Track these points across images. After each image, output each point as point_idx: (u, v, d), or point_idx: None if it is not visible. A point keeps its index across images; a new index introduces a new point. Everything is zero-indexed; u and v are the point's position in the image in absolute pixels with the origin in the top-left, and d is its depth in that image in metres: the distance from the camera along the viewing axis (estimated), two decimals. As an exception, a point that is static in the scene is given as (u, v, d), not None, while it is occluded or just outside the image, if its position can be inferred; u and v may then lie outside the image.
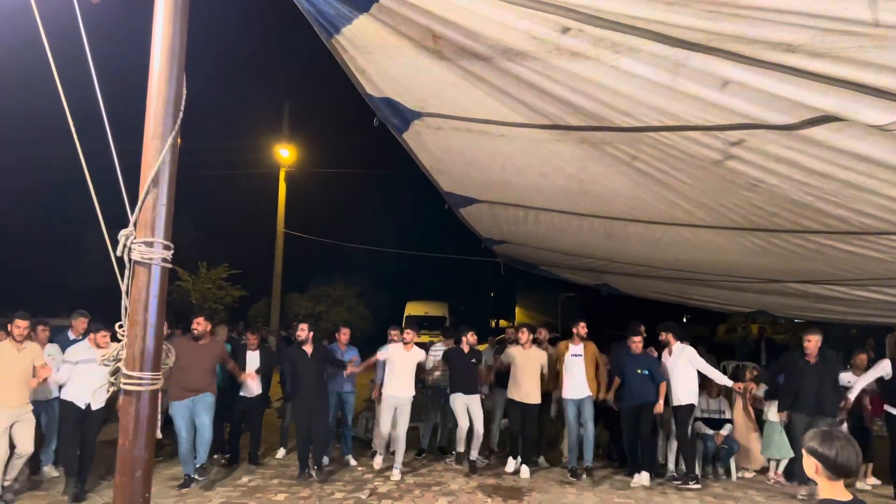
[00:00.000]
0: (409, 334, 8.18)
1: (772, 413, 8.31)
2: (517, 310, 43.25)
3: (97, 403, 6.73)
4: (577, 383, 8.19)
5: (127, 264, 2.35)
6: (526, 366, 8.18)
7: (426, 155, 4.86)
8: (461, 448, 8.21)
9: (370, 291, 30.86)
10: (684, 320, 30.49)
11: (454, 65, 3.30)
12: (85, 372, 6.64)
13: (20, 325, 6.44)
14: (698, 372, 8.20)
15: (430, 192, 6.46)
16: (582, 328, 8.36)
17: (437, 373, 8.84)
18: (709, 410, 8.50)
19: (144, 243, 2.31)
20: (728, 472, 8.38)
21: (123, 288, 2.35)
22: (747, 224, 4.82)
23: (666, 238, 5.72)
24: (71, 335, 7.83)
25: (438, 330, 17.30)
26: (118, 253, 2.35)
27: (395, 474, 7.82)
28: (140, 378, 2.27)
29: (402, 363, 8.06)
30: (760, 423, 8.62)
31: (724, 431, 8.30)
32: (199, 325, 7.43)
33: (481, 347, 9.42)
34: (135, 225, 2.35)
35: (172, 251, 2.38)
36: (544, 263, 9.65)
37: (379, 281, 31.50)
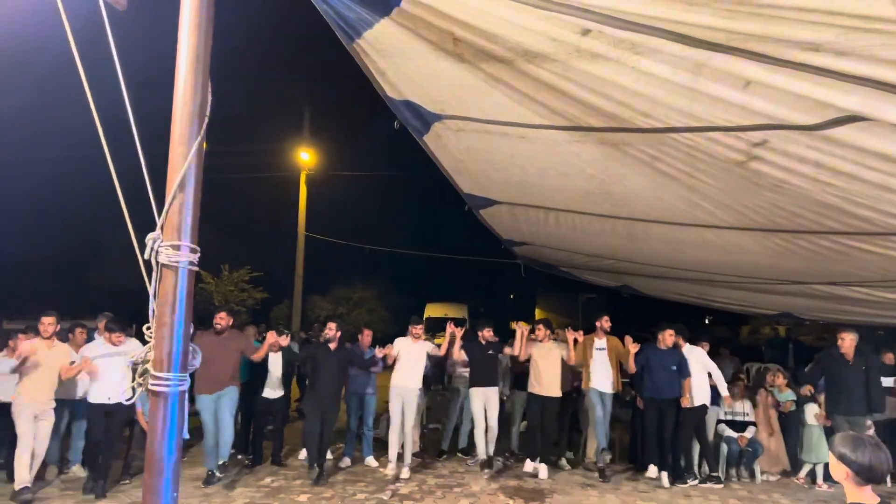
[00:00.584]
0: (417, 328, 8.23)
1: (809, 416, 8.22)
2: (537, 311, 43.13)
3: (120, 397, 6.83)
4: (602, 376, 8.21)
5: (154, 267, 2.38)
6: (545, 357, 8.20)
7: (446, 157, 4.88)
8: (482, 452, 8.18)
9: (390, 293, 31.00)
10: (706, 322, 30.22)
11: (474, 67, 3.31)
12: (103, 368, 6.78)
13: (45, 322, 6.67)
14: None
15: (449, 194, 6.49)
16: (605, 322, 8.40)
17: (460, 368, 8.82)
18: (732, 412, 8.43)
19: (171, 246, 2.35)
20: (752, 475, 8.30)
21: (151, 291, 2.39)
22: (770, 225, 4.78)
23: (688, 239, 5.69)
24: (97, 336, 7.97)
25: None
26: (145, 256, 2.39)
27: (405, 472, 7.84)
28: (167, 379, 2.31)
29: (408, 355, 8.11)
30: (785, 426, 8.53)
31: (748, 434, 8.22)
32: (222, 320, 7.53)
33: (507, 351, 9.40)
34: (162, 228, 2.38)
35: (199, 254, 2.41)
36: (565, 265, 9.62)
37: (399, 283, 31.62)
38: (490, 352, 8.37)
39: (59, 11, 2.71)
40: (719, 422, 8.42)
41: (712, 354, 8.91)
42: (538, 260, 9.82)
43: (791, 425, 8.55)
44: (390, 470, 7.92)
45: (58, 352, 6.76)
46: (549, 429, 8.22)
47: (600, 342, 8.36)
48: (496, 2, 2.70)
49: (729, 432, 8.30)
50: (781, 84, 2.68)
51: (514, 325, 8.63)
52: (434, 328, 23.30)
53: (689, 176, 4.11)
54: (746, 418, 8.39)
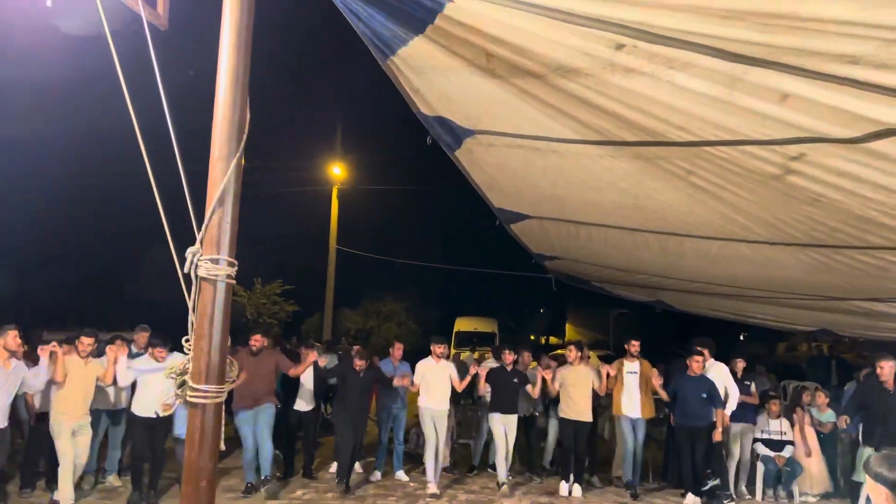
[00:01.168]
0: (440, 348, 8.20)
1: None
2: (568, 327, 42.77)
3: (163, 412, 6.98)
4: (634, 402, 8.09)
5: (193, 281, 2.44)
6: (577, 384, 8.10)
7: (478, 172, 4.90)
8: (502, 476, 8.08)
9: (420, 307, 31.00)
10: (741, 338, 29.65)
11: (507, 83, 3.33)
12: (149, 383, 6.90)
13: (84, 342, 6.84)
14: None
15: (480, 209, 6.51)
16: (634, 346, 8.27)
17: (485, 389, 8.79)
18: (769, 431, 8.25)
19: (210, 260, 2.40)
20: (790, 496, 8.09)
21: (190, 304, 2.44)
22: (808, 240, 4.69)
23: (723, 254, 5.61)
24: (133, 349, 8.11)
25: (488, 346, 17.27)
26: (185, 269, 2.45)
27: (431, 487, 7.80)
28: (205, 391, 2.35)
29: (433, 376, 8.08)
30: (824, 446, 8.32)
31: (786, 453, 8.03)
32: (257, 342, 7.71)
33: (532, 365, 9.34)
34: (201, 243, 2.44)
35: (236, 268, 2.46)
36: (597, 279, 9.55)
37: (428, 296, 31.63)
38: (515, 380, 8.25)
39: (103, 32, 2.80)
40: (755, 441, 8.24)
41: (748, 371, 8.75)
42: (570, 274, 9.77)
43: (830, 446, 8.33)
44: (431, 489, 7.85)
45: (92, 368, 6.91)
46: (581, 451, 8.14)
47: (632, 366, 8.24)
48: (529, 18, 2.71)
49: (766, 451, 8.12)
50: (819, 97, 2.65)
51: (568, 354, 8.47)
52: (464, 342, 23.26)
53: (724, 190, 4.07)
54: (784, 437, 8.20)
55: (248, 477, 7.51)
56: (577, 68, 3.00)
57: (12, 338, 6.23)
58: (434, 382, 8.04)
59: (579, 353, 8.32)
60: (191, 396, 2.35)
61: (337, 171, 22.06)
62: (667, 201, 4.55)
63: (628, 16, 2.56)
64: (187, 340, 2.43)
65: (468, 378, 8.29)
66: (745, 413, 8.22)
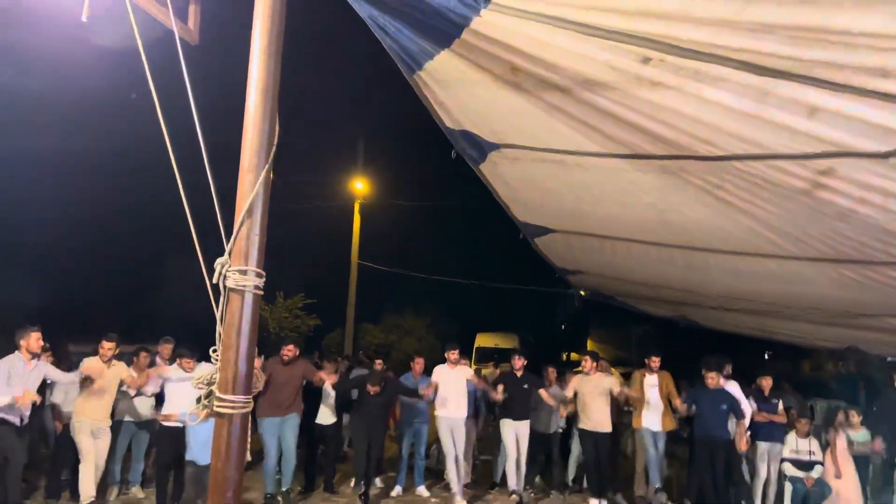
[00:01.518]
0: (453, 354, 8.16)
1: None
2: (589, 343, 42.35)
3: (188, 420, 6.99)
4: (654, 414, 8.01)
5: (222, 291, 2.46)
6: (593, 393, 8.01)
7: (502, 185, 4.91)
8: (512, 484, 8.01)
9: (440, 322, 30.95)
10: (766, 356, 29.16)
11: (533, 96, 3.34)
12: (177, 393, 6.92)
13: (105, 346, 6.90)
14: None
15: (502, 223, 6.50)
16: (654, 362, 8.22)
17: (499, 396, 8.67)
18: (797, 451, 8.08)
19: (239, 271, 2.42)
20: (819, 517, 7.91)
21: (218, 314, 2.46)
22: (837, 255, 4.62)
23: (749, 269, 5.54)
24: (158, 360, 8.18)
25: (508, 362, 17.17)
26: (214, 280, 2.47)
27: (458, 501, 7.72)
28: (232, 401, 2.36)
29: (449, 382, 8.01)
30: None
31: (815, 474, 7.86)
32: (290, 352, 7.70)
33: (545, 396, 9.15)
34: (230, 254, 2.46)
35: (264, 279, 2.48)
36: (621, 295, 9.48)
37: (449, 311, 31.56)
38: (525, 385, 8.19)
39: (135, 46, 2.86)
40: (783, 460, 8.08)
41: (774, 389, 8.61)
42: (593, 289, 9.71)
43: (862, 467, 8.14)
44: (458, 502, 7.82)
45: (115, 372, 6.99)
46: (603, 463, 8.03)
47: (651, 379, 8.19)
48: (556, 32, 2.72)
49: (794, 472, 7.96)
50: (849, 111, 2.63)
51: (584, 364, 8.39)
52: (485, 358, 23.14)
53: (751, 204, 4.03)
54: (812, 458, 8.03)
55: (269, 488, 7.48)
56: (603, 82, 3.01)
57: (35, 339, 6.33)
58: (450, 390, 7.98)
59: (595, 363, 8.25)
60: (218, 406, 2.37)
61: (359, 185, 22.19)
62: (693, 216, 4.52)
63: (655, 29, 2.56)
64: (215, 350, 2.45)
65: (483, 383, 8.29)
66: (773, 432, 8.09)
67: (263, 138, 2.52)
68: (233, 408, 2.37)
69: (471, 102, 3.66)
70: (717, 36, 2.49)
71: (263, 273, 2.48)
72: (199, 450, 6.20)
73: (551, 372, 8.52)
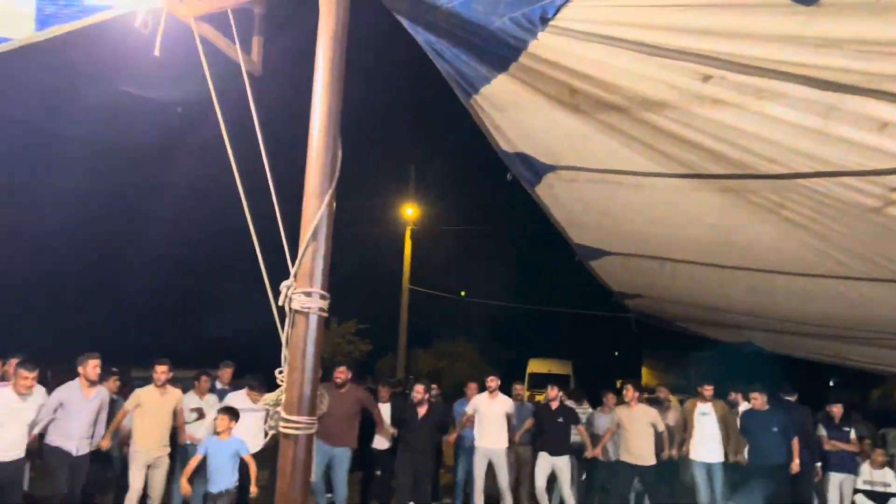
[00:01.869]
0: (493, 381, 8.00)
1: None
2: (644, 369, 41.33)
3: (256, 447, 7.06)
4: (707, 445, 7.73)
5: (287, 314, 2.50)
6: (634, 425, 7.77)
7: (558, 208, 4.88)
8: None
9: (492, 347, 30.77)
10: (831, 384, 27.97)
11: (590, 117, 3.33)
12: (242, 420, 6.96)
13: (158, 371, 6.85)
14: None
15: (555, 246, 6.46)
16: (707, 391, 7.95)
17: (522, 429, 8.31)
18: (872, 482, 7.70)
19: (304, 293, 2.47)
20: (896, 553, 7.49)
21: (284, 337, 2.50)
22: (912, 275, 4.43)
23: (817, 291, 5.35)
24: (218, 384, 8.36)
25: (563, 389, 16.88)
26: (280, 303, 2.52)
27: None
28: (297, 422, 2.39)
29: (487, 412, 7.83)
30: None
31: (891, 507, 7.47)
32: (342, 374, 7.57)
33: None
34: (295, 276, 2.51)
35: (328, 301, 2.52)
36: (681, 319, 9.26)
37: (501, 336, 31.38)
38: (559, 419, 7.91)
39: (204, 79, 2.98)
40: (857, 491, 7.71)
41: (844, 417, 8.26)
42: (651, 314, 9.51)
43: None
44: None
45: (169, 398, 6.94)
46: (655, 497, 7.77)
47: (704, 407, 7.91)
48: (614, 52, 2.72)
49: (867, 503, 7.58)
50: (923, 125, 2.54)
51: (625, 394, 8.16)
52: (538, 384, 22.84)
53: (818, 224, 3.90)
54: (888, 489, 7.63)
55: None
56: (663, 101, 2.98)
57: (92, 367, 6.37)
58: (488, 419, 7.81)
59: (636, 394, 8.00)
60: (283, 427, 2.40)
61: (409, 211, 22.42)
62: (756, 236, 4.40)
63: (716, 47, 2.53)
64: (280, 372, 2.49)
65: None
66: (845, 461, 7.74)
67: (327, 163, 2.58)
68: (298, 428, 2.39)
69: (527, 125, 3.67)
70: (780, 52, 2.45)
71: (328, 295, 2.51)
72: (214, 479, 6.18)
73: (610, 398, 8.31)
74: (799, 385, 8.37)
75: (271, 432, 2.48)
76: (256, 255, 2.71)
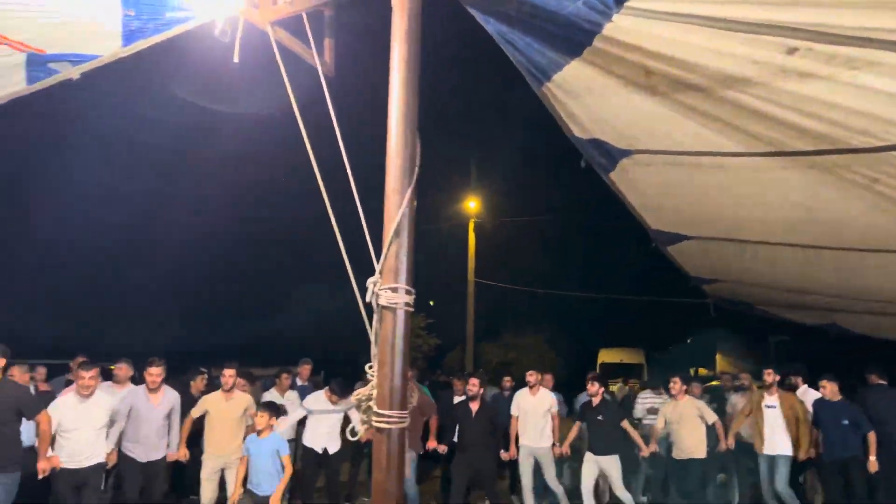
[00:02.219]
0: (532, 376, 7.75)
1: None
2: (719, 357, 40.09)
3: (333, 447, 7.23)
4: (771, 438, 7.42)
5: (375, 310, 2.54)
6: (682, 419, 7.48)
7: (634, 193, 4.79)
8: None
9: (561, 338, 30.45)
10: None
11: (668, 98, 3.25)
12: (321, 420, 7.17)
13: (226, 374, 6.74)
14: None
15: (628, 234, 6.33)
16: (769, 375, 7.65)
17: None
18: None
19: (390, 289, 2.50)
20: None
21: (372, 334, 2.54)
22: None
23: (912, 269, 5.08)
24: (298, 381, 8.58)
25: (635, 378, 16.53)
26: (367, 299, 2.56)
27: None
28: (389, 416, 2.43)
29: (529, 409, 7.61)
30: None
31: None
32: None
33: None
34: (380, 273, 2.54)
35: (414, 296, 2.54)
36: (761, 303, 8.94)
37: (570, 327, 31.03)
38: (599, 417, 7.37)
39: (278, 83, 3.05)
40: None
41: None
42: (730, 298, 9.22)
43: None
44: None
45: (236, 403, 6.80)
46: (695, 493, 7.48)
47: (771, 399, 7.57)
48: (692, 30, 2.64)
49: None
50: None
51: (672, 387, 7.82)
52: (609, 374, 22.47)
53: (916, 197, 3.70)
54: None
55: None
56: (745, 78, 2.88)
57: (155, 374, 6.28)
58: (530, 416, 7.57)
59: (684, 387, 7.69)
60: (376, 422, 2.44)
61: (472, 204, 22.41)
62: (846, 213, 4.20)
63: (801, 18, 2.42)
64: (371, 367, 2.53)
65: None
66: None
67: (406, 160, 2.60)
68: (390, 422, 2.43)
69: (601, 110, 3.60)
70: (872, 19, 2.32)
71: (413, 290, 2.54)
72: (257, 480, 6.05)
73: (696, 389, 8.02)
74: (891, 369, 7.89)
75: (363, 427, 2.53)
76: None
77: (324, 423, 7.13)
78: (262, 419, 6.05)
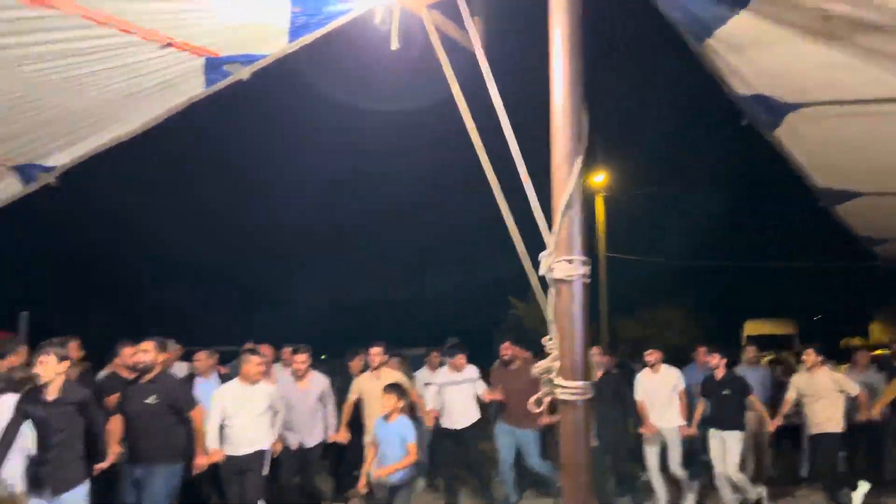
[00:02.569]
0: (651, 355, 7.30)
1: None
2: (873, 325, 36.66)
3: (466, 423, 7.09)
4: None
5: (550, 284, 2.54)
6: (816, 393, 6.93)
7: (801, 150, 4.46)
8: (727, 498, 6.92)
9: (701, 311, 29.12)
10: None
11: (848, 43, 2.99)
12: (449, 394, 7.10)
13: (372, 353, 6.65)
14: None
15: (773, 196, 5.90)
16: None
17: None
18: None
19: (565, 261, 2.48)
20: None
21: (549, 308, 2.53)
22: None
23: None
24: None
25: (786, 350, 15.50)
26: (540, 273, 2.56)
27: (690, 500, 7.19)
28: (575, 388, 2.43)
29: (652, 389, 7.22)
30: None
31: None
32: (507, 350, 7.19)
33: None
34: (554, 246, 2.53)
35: (590, 266, 2.51)
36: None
37: (710, 299, 29.64)
38: (724, 392, 6.93)
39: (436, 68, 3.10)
40: None
41: None
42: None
43: None
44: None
45: (385, 381, 6.33)
46: (833, 470, 7.04)
47: None
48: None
49: None
50: None
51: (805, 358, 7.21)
52: (758, 346, 21.18)
53: None
54: None
55: (511, 498, 7.07)
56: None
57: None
58: (655, 397, 7.21)
59: (818, 358, 7.05)
60: (562, 393, 2.44)
61: (599, 178, 21.78)
62: None
63: None
64: (550, 339, 2.53)
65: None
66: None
67: (574, 130, 2.56)
68: (575, 393, 2.43)
69: (767, 63, 3.38)
70: None
71: (589, 260, 2.51)
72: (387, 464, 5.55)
73: (861, 356, 7.46)
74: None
75: (546, 399, 2.54)
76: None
77: (456, 397, 7.01)
78: (389, 401, 5.53)
